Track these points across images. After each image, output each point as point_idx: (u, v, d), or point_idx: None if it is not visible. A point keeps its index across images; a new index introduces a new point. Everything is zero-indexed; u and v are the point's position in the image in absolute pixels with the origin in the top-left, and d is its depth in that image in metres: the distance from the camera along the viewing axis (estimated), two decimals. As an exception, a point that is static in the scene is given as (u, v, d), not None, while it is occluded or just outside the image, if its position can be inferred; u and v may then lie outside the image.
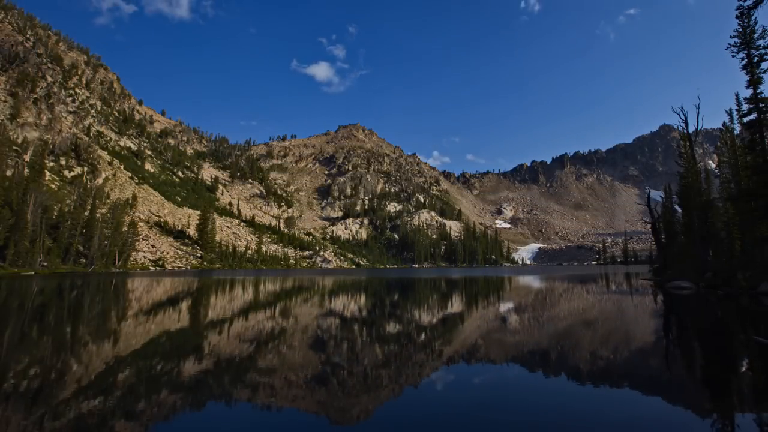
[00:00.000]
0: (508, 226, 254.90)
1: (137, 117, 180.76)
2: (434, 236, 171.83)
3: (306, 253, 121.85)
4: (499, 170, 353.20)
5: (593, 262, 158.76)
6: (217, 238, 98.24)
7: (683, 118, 27.07)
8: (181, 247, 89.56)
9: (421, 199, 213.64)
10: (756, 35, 18.71)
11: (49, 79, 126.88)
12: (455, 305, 15.33)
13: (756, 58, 18.88)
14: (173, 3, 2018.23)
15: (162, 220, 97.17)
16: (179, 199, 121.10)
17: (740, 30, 19.10)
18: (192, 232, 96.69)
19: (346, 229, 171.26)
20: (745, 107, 19.70)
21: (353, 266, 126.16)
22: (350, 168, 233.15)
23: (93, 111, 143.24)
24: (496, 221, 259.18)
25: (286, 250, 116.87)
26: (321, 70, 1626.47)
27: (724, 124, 26.95)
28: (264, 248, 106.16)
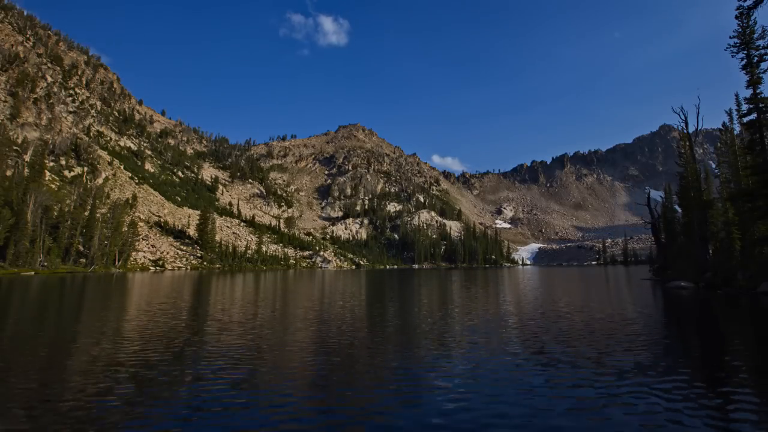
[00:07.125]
0: (508, 226, 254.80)
1: (137, 117, 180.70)
2: (434, 236, 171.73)
3: (306, 253, 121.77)
4: (499, 170, 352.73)
5: (593, 262, 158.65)
6: (217, 238, 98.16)
7: (683, 118, 27.11)
8: (181, 247, 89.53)
9: (421, 199, 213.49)
10: (755, 35, 18.73)
11: (49, 79, 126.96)
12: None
13: (756, 58, 18.90)
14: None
15: (162, 220, 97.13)
16: (179, 199, 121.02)
17: (740, 30, 19.12)
18: (192, 232, 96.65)
19: (346, 229, 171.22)
20: (744, 107, 19.72)
21: (353, 266, 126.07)
22: (350, 168, 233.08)
23: (93, 111, 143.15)
24: (496, 221, 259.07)
25: (286, 250, 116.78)
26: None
27: (724, 124, 26.92)
28: (264, 248, 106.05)
